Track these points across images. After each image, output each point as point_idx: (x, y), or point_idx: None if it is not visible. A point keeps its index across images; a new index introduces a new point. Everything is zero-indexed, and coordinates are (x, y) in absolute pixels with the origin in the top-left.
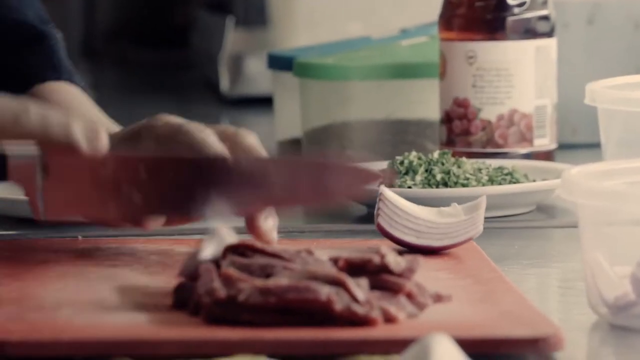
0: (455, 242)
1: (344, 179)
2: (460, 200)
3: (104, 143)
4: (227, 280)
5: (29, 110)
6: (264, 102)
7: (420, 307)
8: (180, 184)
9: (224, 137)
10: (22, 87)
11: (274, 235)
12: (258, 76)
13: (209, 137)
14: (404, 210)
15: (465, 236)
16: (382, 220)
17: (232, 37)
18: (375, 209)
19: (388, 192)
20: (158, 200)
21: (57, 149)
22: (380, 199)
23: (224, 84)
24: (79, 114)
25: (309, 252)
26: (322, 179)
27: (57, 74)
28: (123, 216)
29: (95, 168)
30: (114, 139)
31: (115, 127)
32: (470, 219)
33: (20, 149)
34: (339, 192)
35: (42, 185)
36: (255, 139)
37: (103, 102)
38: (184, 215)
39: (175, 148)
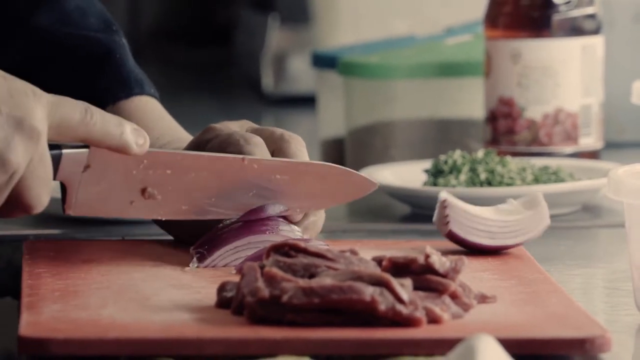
0: (529, 237)
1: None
2: (505, 200)
3: (148, 144)
4: (271, 280)
5: (92, 110)
6: (307, 101)
7: (465, 307)
8: (200, 184)
9: (271, 140)
10: None
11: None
12: (301, 75)
13: (256, 150)
14: (473, 213)
15: (537, 230)
16: (455, 227)
17: (276, 36)
18: (439, 216)
19: (452, 198)
20: (179, 198)
21: (108, 148)
22: (444, 206)
23: (267, 82)
24: (158, 133)
25: (353, 252)
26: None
27: (128, 90)
28: (142, 216)
29: (129, 167)
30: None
31: (189, 138)
32: (536, 212)
33: (74, 149)
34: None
35: (81, 181)
36: (298, 145)
37: None
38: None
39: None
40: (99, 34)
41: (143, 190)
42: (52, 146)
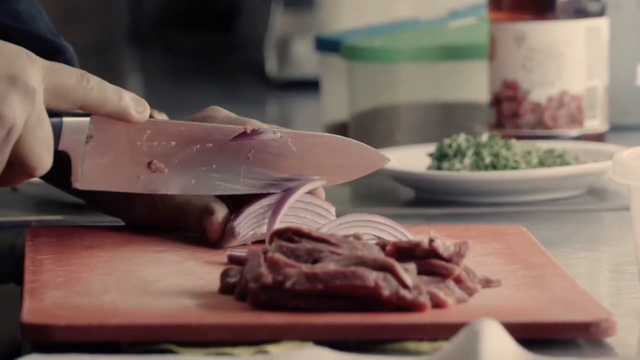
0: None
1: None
2: (510, 183)
3: (148, 112)
4: (274, 266)
5: (89, 76)
6: (311, 85)
7: (470, 292)
8: (206, 156)
9: None
10: None
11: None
12: (305, 59)
13: None
14: None
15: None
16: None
17: (279, 20)
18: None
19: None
20: (187, 172)
21: (107, 115)
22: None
23: (271, 67)
24: None
25: (357, 237)
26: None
27: None
28: (150, 190)
29: (133, 138)
30: None
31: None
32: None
33: (74, 117)
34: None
35: (85, 152)
36: None
37: (150, 86)
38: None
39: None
40: (48, 35)
41: (149, 164)
42: (53, 116)
